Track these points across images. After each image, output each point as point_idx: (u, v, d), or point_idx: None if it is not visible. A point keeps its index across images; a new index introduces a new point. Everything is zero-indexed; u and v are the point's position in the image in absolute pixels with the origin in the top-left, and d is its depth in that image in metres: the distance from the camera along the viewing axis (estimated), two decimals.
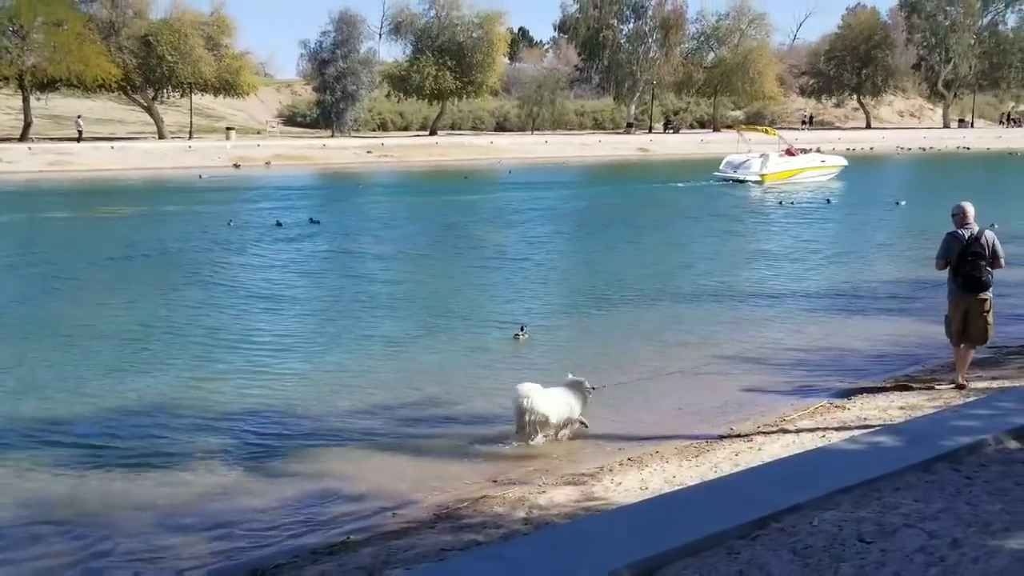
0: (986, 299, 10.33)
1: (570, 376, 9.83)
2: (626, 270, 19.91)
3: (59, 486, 8.34)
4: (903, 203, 32.85)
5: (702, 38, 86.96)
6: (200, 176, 44.39)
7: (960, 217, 10.34)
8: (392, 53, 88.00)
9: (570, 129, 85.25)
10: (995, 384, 10.40)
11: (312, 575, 6.49)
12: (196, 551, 7.10)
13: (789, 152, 44.58)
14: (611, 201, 35.13)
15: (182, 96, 66.66)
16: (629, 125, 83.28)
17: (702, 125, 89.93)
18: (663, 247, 23.71)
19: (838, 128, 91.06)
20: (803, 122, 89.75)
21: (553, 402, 9.37)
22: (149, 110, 65.78)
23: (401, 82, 75.11)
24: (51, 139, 58.47)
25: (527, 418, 9.24)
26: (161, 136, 63.86)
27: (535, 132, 78.68)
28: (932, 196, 34.07)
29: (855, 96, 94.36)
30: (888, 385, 11.04)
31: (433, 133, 74.85)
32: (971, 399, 9.31)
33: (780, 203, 33.65)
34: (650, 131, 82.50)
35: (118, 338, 13.52)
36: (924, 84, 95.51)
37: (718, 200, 35.53)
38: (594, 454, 9.11)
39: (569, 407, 9.54)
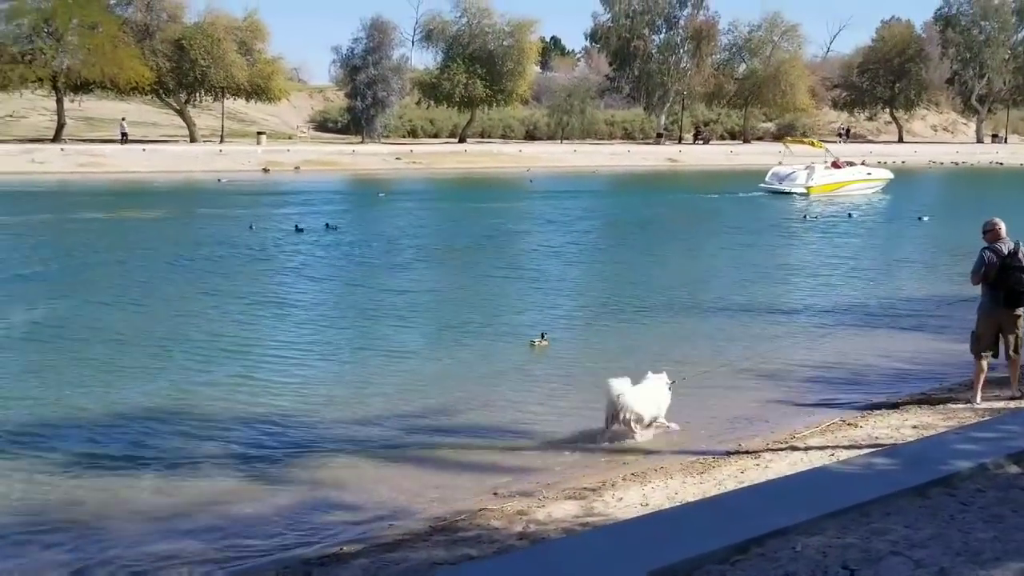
0: (1020, 315, 10.23)
1: (651, 373, 9.91)
2: (645, 281, 19.84)
3: (54, 492, 8.32)
4: (926, 219, 32.43)
5: (734, 49, 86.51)
6: (220, 180, 44.40)
7: (993, 233, 10.28)
8: (424, 60, 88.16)
9: (600, 139, 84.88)
10: (1012, 404, 10.21)
11: None
12: (186, 560, 7.05)
13: (835, 164, 44.21)
14: (636, 213, 34.91)
15: (215, 100, 67.14)
16: (659, 135, 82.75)
17: (732, 136, 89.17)
18: (683, 260, 23.55)
19: (870, 141, 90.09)
20: (839, 135, 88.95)
21: (645, 400, 9.54)
22: (182, 113, 66.28)
23: (431, 89, 75.28)
24: (84, 141, 58.96)
25: (622, 416, 9.40)
26: (193, 140, 64.30)
27: (564, 141, 78.51)
28: (957, 212, 33.70)
29: (888, 109, 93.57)
30: (904, 402, 10.86)
31: (462, 141, 74.86)
32: (978, 420, 9.10)
33: (804, 217, 33.36)
34: (679, 141, 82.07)
35: (120, 342, 13.50)
36: (958, 98, 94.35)
37: (741, 212, 35.23)
38: (598, 468, 8.97)
39: (657, 405, 9.68)
